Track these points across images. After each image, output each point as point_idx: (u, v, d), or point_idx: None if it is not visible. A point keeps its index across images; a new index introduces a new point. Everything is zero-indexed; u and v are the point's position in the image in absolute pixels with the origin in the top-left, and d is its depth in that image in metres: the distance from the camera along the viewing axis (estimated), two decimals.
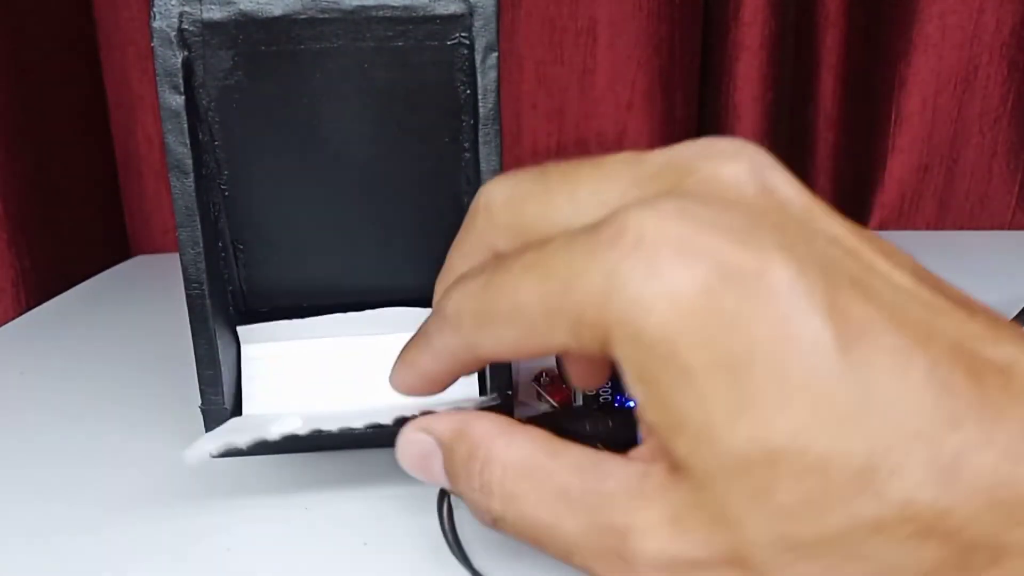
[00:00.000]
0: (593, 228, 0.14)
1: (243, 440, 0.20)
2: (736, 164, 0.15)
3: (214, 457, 0.20)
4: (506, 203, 0.18)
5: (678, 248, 0.13)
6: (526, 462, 0.15)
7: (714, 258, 0.13)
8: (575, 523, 0.15)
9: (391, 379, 0.20)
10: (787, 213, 0.15)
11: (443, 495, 0.21)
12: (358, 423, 0.20)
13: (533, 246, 0.15)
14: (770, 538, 0.13)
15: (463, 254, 0.19)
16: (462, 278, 0.17)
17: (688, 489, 0.13)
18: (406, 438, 0.18)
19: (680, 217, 0.13)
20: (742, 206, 0.14)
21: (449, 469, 0.17)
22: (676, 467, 0.14)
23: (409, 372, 0.19)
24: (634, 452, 0.15)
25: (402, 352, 0.19)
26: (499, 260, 0.16)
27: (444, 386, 0.19)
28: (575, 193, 0.16)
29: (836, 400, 0.12)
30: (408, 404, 0.21)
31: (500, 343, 0.16)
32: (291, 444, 0.21)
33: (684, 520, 0.13)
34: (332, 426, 0.20)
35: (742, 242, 0.13)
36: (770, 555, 0.13)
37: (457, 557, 0.20)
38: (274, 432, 0.20)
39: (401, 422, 0.19)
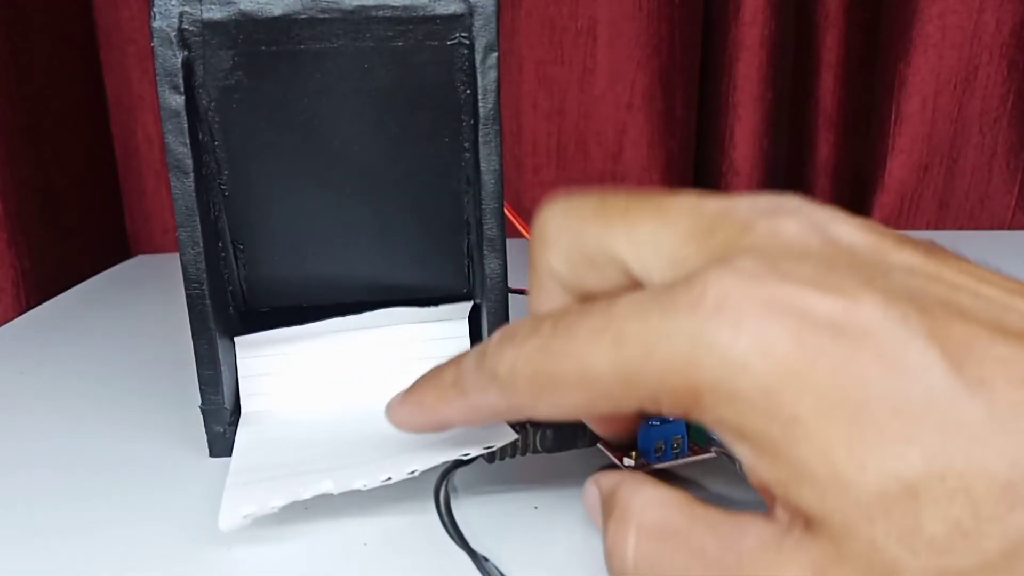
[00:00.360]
0: (667, 291, 0.14)
1: (277, 503, 0.20)
2: (795, 220, 0.15)
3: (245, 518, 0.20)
4: (561, 229, 0.18)
5: (762, 305, 0.13)
6: (661, 524, 0.15)
7: (799, 309, 0.13)
8: None
9: (392, 412, 0.20)
10: (858, 257, 0.14)
11: (442, 478, 0.21)
12: (398, 474, 0.21)
13: (594, 307, 0.15)
14: (927, 570, 0.12)
15: (536, 286, 0.19)
16: (511, 335, 0.17)
17: (829, 542, 0.13)
18: (585, 489, 0.18)
19: (758, 274, 0.13)
20: (812, 257, 0.14)
21: (603, 525, 0.17)
22: (810, 523, 0.13)
23: (426, 416, 0.19)
24: (771, 512, 0.15)
25: (419, 394, 0.19)
26: (557, 320, 0.16)
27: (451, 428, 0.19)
28: (634, 231, 0.16)
29: (962, 419, 0.12)
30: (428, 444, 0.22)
31: (560, 408, 0.16)
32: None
33: (829, 574, 0.13)
34: (368, 482, 0.21)
35: (822, 288, 0.13)
36: None
37: (453, 537, 0.20)
38: (306, 493, 0.21)
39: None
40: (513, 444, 0.22)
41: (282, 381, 0.27)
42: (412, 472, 0.21)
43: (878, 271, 0.14)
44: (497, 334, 0.17)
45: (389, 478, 0.21)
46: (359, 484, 0.21)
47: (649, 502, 0.16)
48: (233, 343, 0.27)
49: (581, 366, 0.15)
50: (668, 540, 0.15)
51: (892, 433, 0.12)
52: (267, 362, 0.27)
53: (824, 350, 0.13)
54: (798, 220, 0.15)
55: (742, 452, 0.14)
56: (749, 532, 0.14)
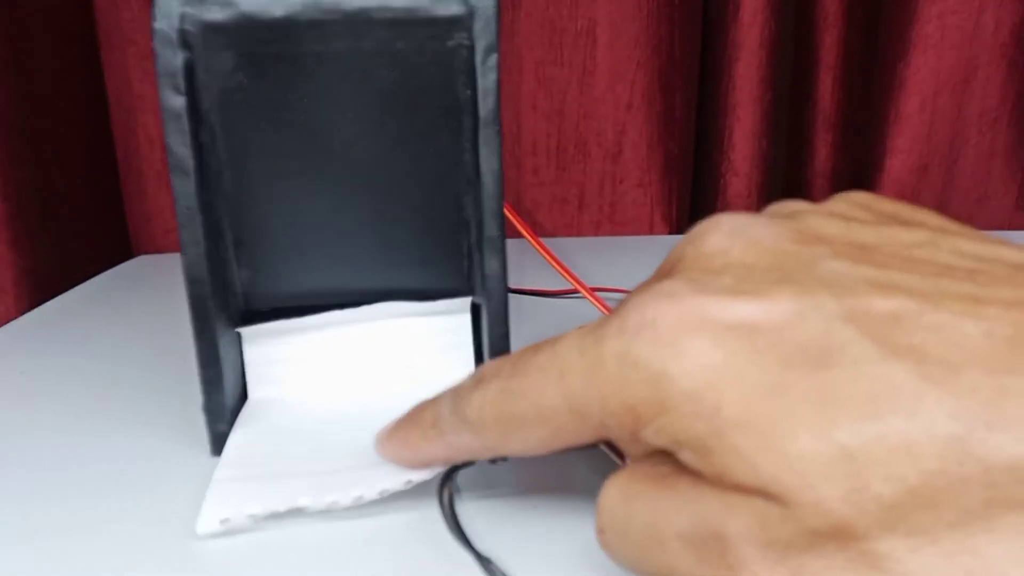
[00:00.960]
0: (599, 324, 0.15)
1: (254, 512, 0.21)
2: (713, 235, 0.16)
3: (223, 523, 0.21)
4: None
5: (680, 319, 0.14)
6: (650, 471, 0.15)
7: (714, 317, 0.14)
8: (673, 531, 0.14)
9: (380, 445, 0.21)
10: (780, 253, 0.15)
11: (445, 479, 0.21)
12: (370, 491, 0.21)
13: (545, 343, 0.16)
14: (884, 529, 0.12)
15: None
16: (481, 378, 0.17)
17: (775, 504, 0.13)
18: None
19: (675, 293, 0.14)
20: (730, 267, 0.15)
21: None
22: (766, 495, 0.13)
23: (410, 453, 0.20)
24: None
25: (403, 431, 0.20)
26: (515, 361, 0.17)
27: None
28: None
29: (892, 383, 0.12)
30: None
31: (527, 445, 0.17)
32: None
33: (774, 530, 0.13)
34: (344, 499, 0.21)
35: (736, 294, 0.14)
36: (891, 546, 0.12)
37: (458, 538, 0.20)
38: (282, 507, 0.21)
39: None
40: None
41: (288, 370, 0.27)
42: (383, 492, 0.21)
43: (799, 264, 0.14)
44: (470, 376, 0.18)
45: (361, 496, 0.21)
46: (331, 499, 0.21)
47: (649, 458, 0.16)
48: (233, 342, 0.27)
49: (536, 404, 0.16)
50: (651, 480, 0.15)
51: (817, 404, 0.12)
52: (273, 351, 0.27)
53: (741, 349, 0.13)
54: (719, 233, 0.16)
55: (687, 460, 0.14)
56: (694, 483, 0.14)
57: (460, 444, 0.18)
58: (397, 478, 0.21)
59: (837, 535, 0.12)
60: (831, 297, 0.13)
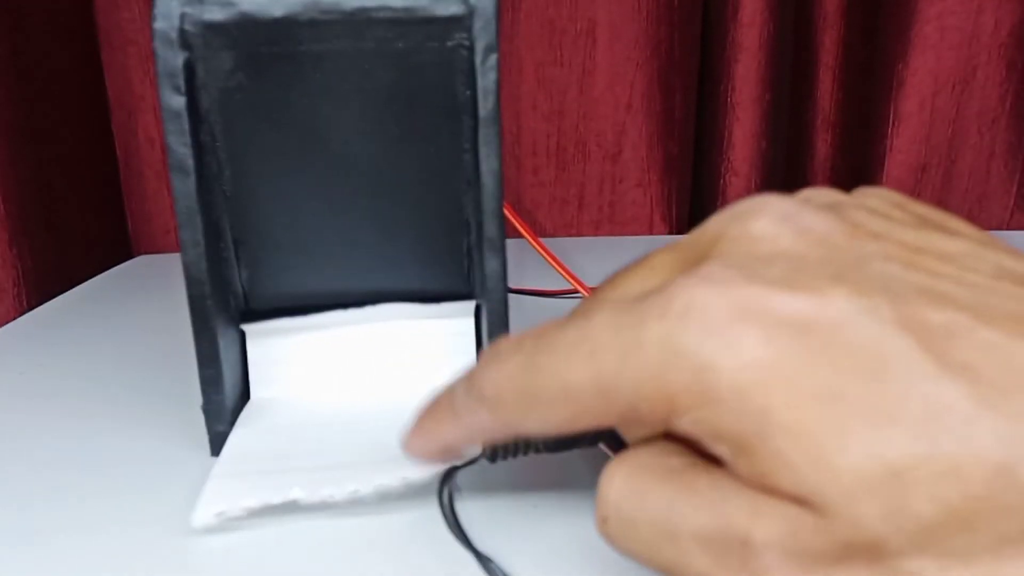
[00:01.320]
0: (638, 302, 0.14)
1: (249, 505, 0.21)
2: (762, 218, 0.15)
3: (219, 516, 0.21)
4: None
5: (729, 308, 0.13)
6: (657, 463, 0.15)
7: (766, 309, 0.13)
8: (689, 530, 0.14)
9: (406, 444, 0.21)
10: (832, 246, 0.14)
11: (445, 479, 0.21)
12: (365, 486, 0.21)
13: (574, 319, 0.15)
14: (917, 548, 0.12)
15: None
16: (496, 354, 0.17)
17: (810, 514, 0.12)
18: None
19: (724, 279, 0.13)
20: (779, 255, 0.14)
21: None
22: (793, 500, 0.13)
23: (429, 442, 0.20)
24: None
25: (421, 421, 0.20)
26: (538, 336, 0.16)
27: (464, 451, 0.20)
28: (626, 288, 0.17)
29: (947, 402, 0.12)
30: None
31: (546, 423, 0.16)
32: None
33: (805, 540, 0.13)
34: (339, 493, 0.21)
35: (790, 286, 0.13)
36: (921, 566, 0.12)
37: (458, 537, 0.20)
38: (276, 499, 0.21)
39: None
40: (515, 444, 0.22)
41: (290, 370, 0.27)
42: (378, 487, 0.21)
43: (852, 261, 0.14)
44: (482, 357, 0.17)
45: (356, 490, 0.21)
46: (326, 493, 0.21)
47: (652, 447, 0.15)
48: (233, 342, 0.27)
49: (562, 381, 0.15)
50: (662, 474, 0.15)
51: (871, 417, 0.12)
52: (277, 351, 0.27)
53: (793, 347, 0.13)
54: (767, 217, 0.15)
55: (721, 453, 0.14)
56: (732, 491, 0.14)
57: (475, 424, 0.18)
58: (393, 475, 0.21)
59: (869, 551, 0.12)
60: (886, 301, 0.13)
